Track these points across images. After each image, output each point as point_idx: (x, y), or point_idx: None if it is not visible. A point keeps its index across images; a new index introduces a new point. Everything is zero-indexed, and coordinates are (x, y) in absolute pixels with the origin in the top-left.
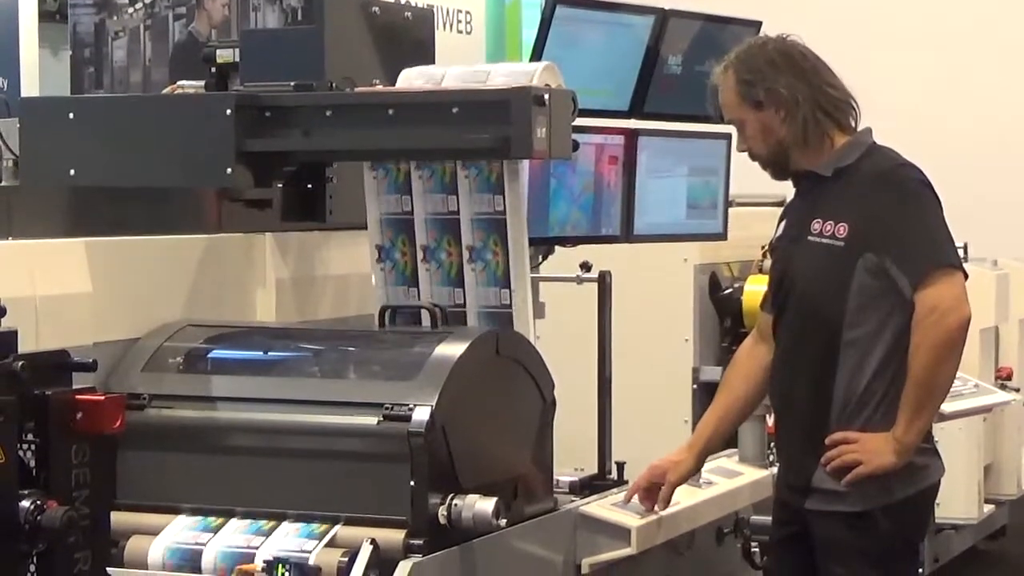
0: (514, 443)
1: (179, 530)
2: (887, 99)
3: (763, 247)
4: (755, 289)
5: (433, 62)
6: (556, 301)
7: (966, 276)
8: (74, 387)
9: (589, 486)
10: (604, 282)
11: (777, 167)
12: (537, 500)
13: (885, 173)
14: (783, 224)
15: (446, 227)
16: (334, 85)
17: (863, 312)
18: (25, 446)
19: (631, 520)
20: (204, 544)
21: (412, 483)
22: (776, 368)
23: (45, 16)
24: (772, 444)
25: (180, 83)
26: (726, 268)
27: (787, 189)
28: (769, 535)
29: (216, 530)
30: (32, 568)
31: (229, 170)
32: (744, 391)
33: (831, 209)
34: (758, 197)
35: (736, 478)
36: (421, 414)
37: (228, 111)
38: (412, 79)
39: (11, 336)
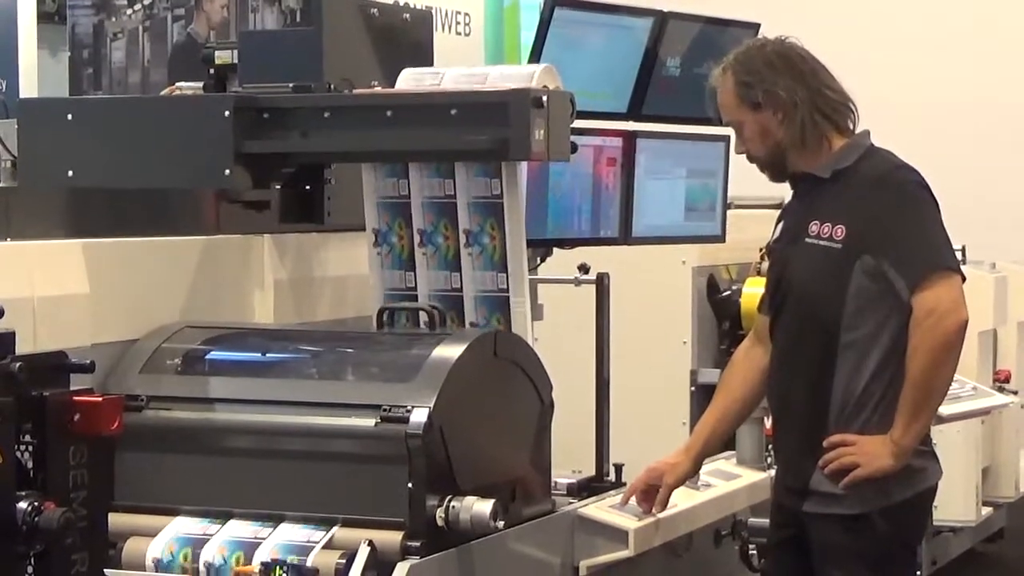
0: (512, 445)
1: (176, 532)
2: (885, 101)
3: (761, 249)
4: (753, 291)
5: (432, 64)
6: (554, 303)
7: (964, 279)
8: (72, 388)
9: (587, 488)
10: (602, 284)
11: (775, 169)
12: (535, 502)
13: (883, 175)
14: (780, 226)
15: (443, 211)
16: (332, 87)
17: (861, 314)
18: (23, 447)
19: (629, 522)
20: (201, 546)
21: (410, 485)
22: (774, 370)
23: (44, 17)
24: (770, 446)
25: (179, 84)
26: (724, 270)
27: (785, 191)
28: (767, 537)
29: (214, 532)
30: (30, 569)
31: (227, 171)
32: (741, 393)
33: (829, 211)
34: (756, 199)
35: (734, 480)
36: (419, 416)
37: (226, 112)
38: (411, 81)
39: (9, 337)
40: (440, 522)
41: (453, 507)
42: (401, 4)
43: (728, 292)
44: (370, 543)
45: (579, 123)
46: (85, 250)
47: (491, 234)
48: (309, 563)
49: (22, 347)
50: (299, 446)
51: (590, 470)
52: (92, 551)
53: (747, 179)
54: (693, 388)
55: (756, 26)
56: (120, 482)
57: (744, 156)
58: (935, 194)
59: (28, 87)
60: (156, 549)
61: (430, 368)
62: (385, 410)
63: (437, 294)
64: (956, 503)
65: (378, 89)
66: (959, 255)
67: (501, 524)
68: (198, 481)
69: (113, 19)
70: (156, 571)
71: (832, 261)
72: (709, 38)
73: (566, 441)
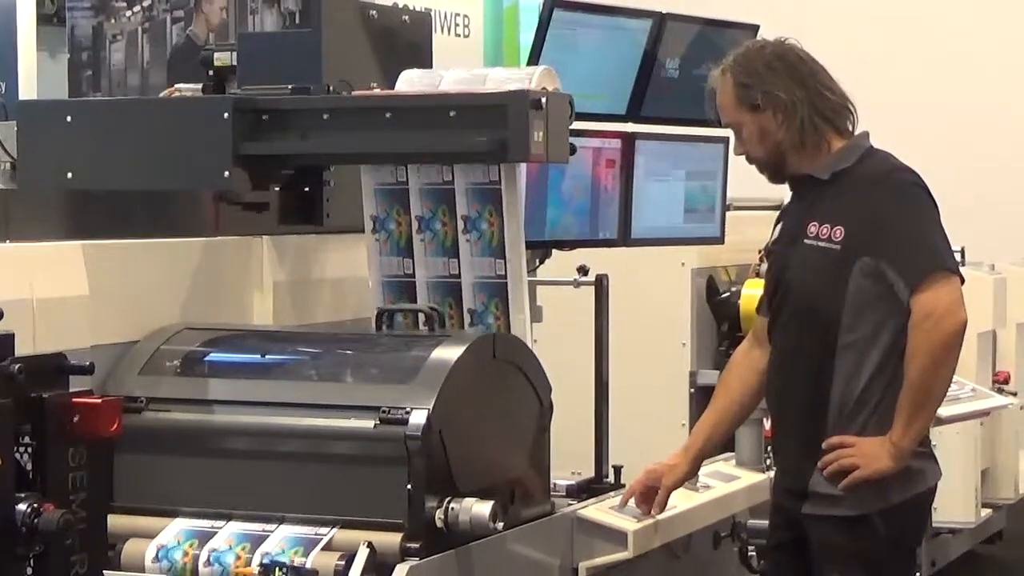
0: (511, 446)
1: (175, 531)
2: (884, 102)
3: (760, 251)
4: (752, 293)
5: (431, 65)
6: (553, 305)
7: (963, 280)
8: (71, 390)
9: (586, 490)
10: (601, 286)
11: (774, 170)
12: (534, 503)
13: (882, 176)
14: (779, 227)
15: (441, 197)
16: (331, 88)
17: (859, 316)
18: (22, 449)
19: (628, 524)
20: (200, 548)
21: (409, 486)
22: (772, 372)
23: (43, 19)
24: (769, 448)
25: (178, 86)
26: (723, 272)
27: (784, 193)
28: (766, 539)
29: (213, 533)
30: (29, 571)
31: (227, 173)
32: (740, 395)
33: (827, 212)
34: (756, 201)
35: (733, 482)
36: (418, 417)
37: (226, 114)
38: (410, 82)
39: (8, 339)
40: (439, 524)
41: (452, 509)
42: (400, 6)
43: (727, 294)
44: (369, 544)
45: (578, 125)
46: (84, 252)
47: (489, 220)
48: (308, 564)
49: (21, 349)
50: (298, 448)
51: (589, 472)
52: (91, 552)
53: (746, 180)
54: (692, 389)
55: (755, 27)
56: (119, 484)
57: (743, 157)
58: (934, 195)
59: (27, 89)
60: (155, 550)
61: (429, 370)
62: (384, 412)
63: (435, 280)
64: (955, 504)
65: (377, 91)
66: (958, 256)
67: (500, 526)
68: (197, 482)
69: (112, 21)
70: (156, 574)
71: (831, 262)
72: (708, 39)
73: (565, 443)
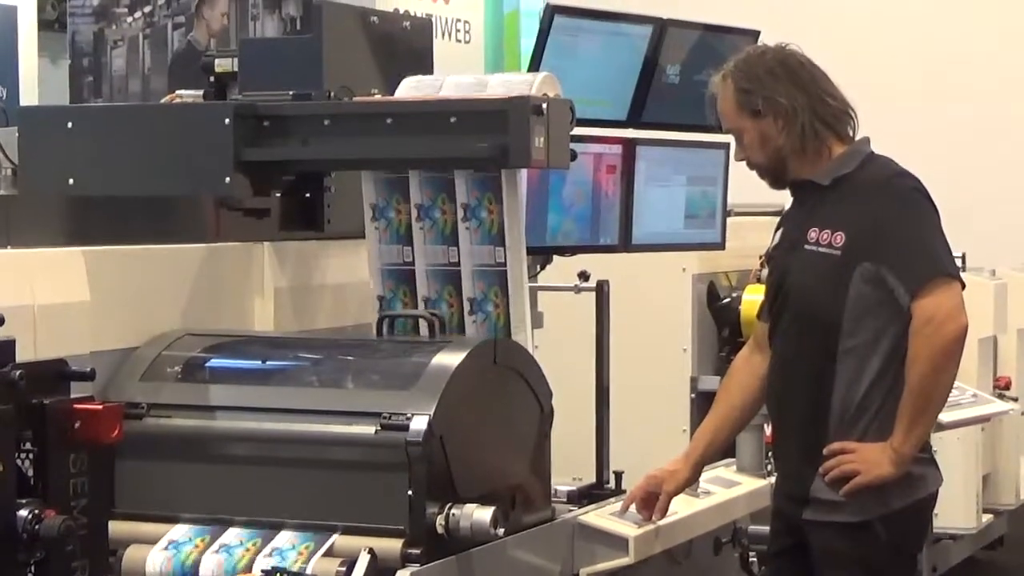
0: (512, 452)
1: (160, 560)
2: (885, 108)
3: (761, 256)
4: (753, 298)
5: (431, 71)
6: (554, 310)
7: (963, 285)
8: (72, 396)
9: (587, 495)
10: (602, 291)
11: (775, 176)
12: (535, 509)
13: (882, 182)
14: (779, 233)
15: (441, 186)
16: (332, 94)
17: (860, 321)
18: (23, 455)
19: (629, 529)
20: (202, 554)
21: (410, 492)
22: (773, 377)
23: (44, 25)
24: (770, 454)
25: (179, 92)
26: (724, 277)
27: (785, 198)
28: (767, 545)
29: (214, 539)
30: None
31: (227, 179)
32: (741, 401)
33: (828, 218)
34: (756, 206)
35: (734, 488)
36: (419, 423)
37: (227, 120)
38: (411, 88)
39: (9, 345)
40: (440, 530)
41: (453, 515)
42: (401, 12)
43: (728, 299)
44: (370, 551)
45: (579, 131)
46: (85, 258)
47: (489, 208)
48: (309, 571)
49: (22, 355)
50: (299, 454)
51: (590, 477)
52: (92, 559)
53: (747, 186)
54: (693, 395)
55: (756, 33)
56: (120, 490)
57: (744, 163)
58: (935, 201)
59: (28, 95)
60: (156, 557)
61: (430, 376)
62: (385, 418)
63: (434, 268)
64: (956, 510)
65: (378, 97)
66: (959, 262)
67: (501, 531)
68: (198, 489)
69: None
70: None
71: (832, 268)
72: (708, 45)
73: (566, 448)
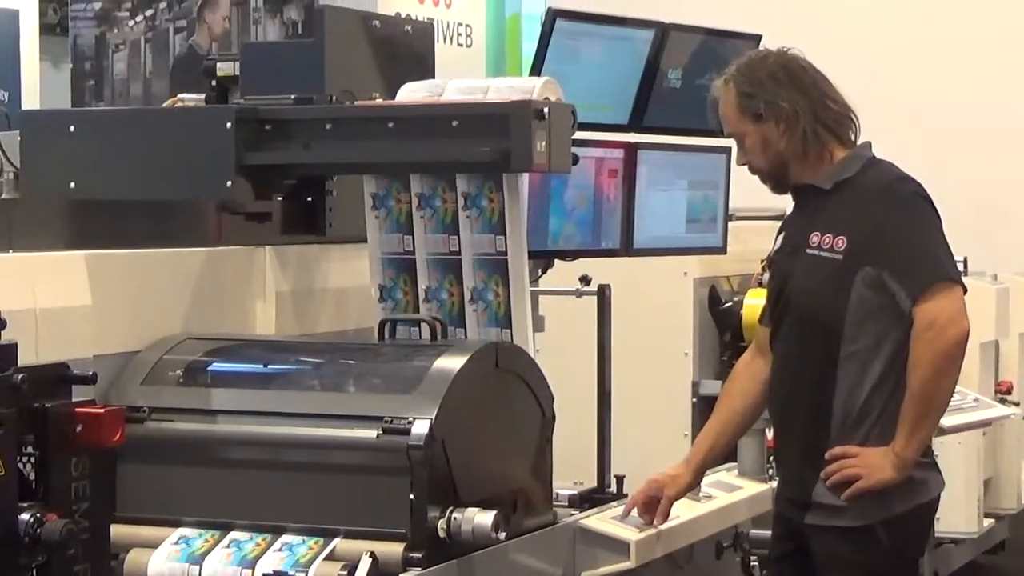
0: (514, 456)
1: (167, 555)
2: (887, 112)
3: (762, 261)
4: (755, 303)
5: (433, 75)
6: (556, 315)
7: (965, 290)
8: (74, 400)
9: (589, 499)
10: (604, 295)
11: (777, 180)
12: (536, 513)
13: (884, 186)
14: (781, 237)
15: (441, 174)
16: (334, 98)
17: (862, 326)
18: (25, 459)
19: (630, 534)
20: (203, 558)
21: (411, 496)
22: (775, 382)
23: (46, 29)
24: (771, 458)
25: (180, 96)
26: (726, 282)
27: (787, 203)
28: (768, 549)
29: (206, 552)
30: None
31: (229, 183)
32: (742, 405)
33: (830, 222)
34: (758, 211)
35: (735, 492)
36: (420, 427)
37: (228, 124)
38: (412, 92)
39: (11, 349)
40: (442, 534)
41: (455, 519)
42: (403, 16)
43: (729, 304)
44: (372, 555)
45: (580, 135)
46: (87, 262)
47: (489, 197)
48: (311, 575)
49: (24, 358)
50: (301, 458)
51: (591, 481)
52: (94, 563)
53: (748, 190)
54: (694, 399)
55: (757, 38)
56: (122, 493)
57: (746, 167)
58: (937, 205)
59: (30, 99)
60: (157, 560)
61: (432, 380)
62: (387, 422)
63: (435, 257)
64: (958, 515)
65: (380, 101)
66: (961, 267)
67: (503, 536)
68: (200, 493)
69: (115, 31)
70: None
71: (833, 272)
72: (710, 50)
73: (567, 452)
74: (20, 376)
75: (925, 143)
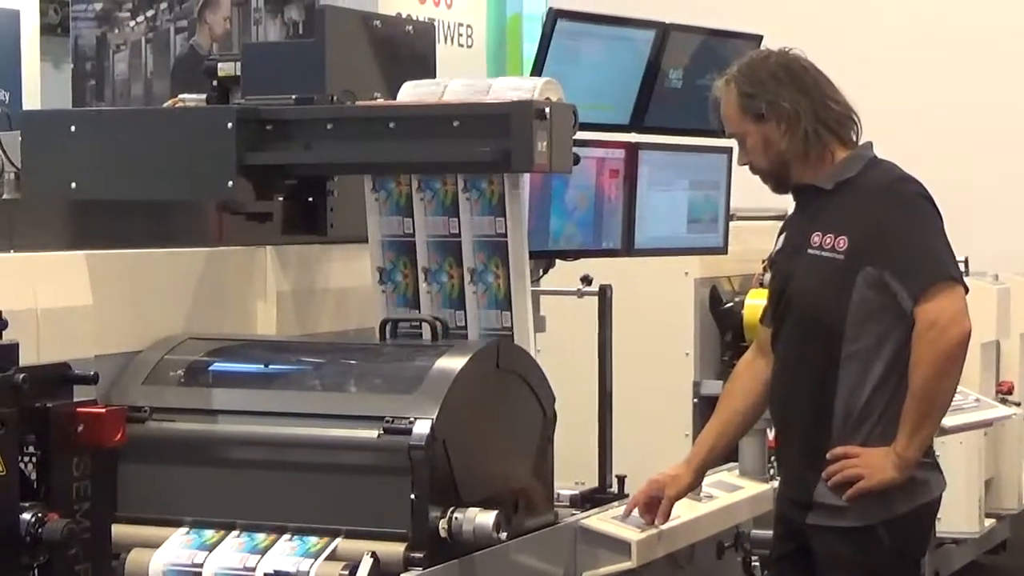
0: (515, 456)
1: (179, 543)
2: (888, 112)
3: (763, 261)
4: (756, 303)
5: (434, 76)
6: (557, 315)
7: (967, 290)
8: (75, 400)
9: (590, 499)
10: (605, 296)
11: (778, 180)
12: (538, 513)
13: (886, 186)
14: (783, 238)
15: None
16: (335, 98)
17: (863, 326)
18: (26, 458)
19: (631, 534)
20: (203, 559)
21: (413, 496)
22: (776, 382)
23: (47, 29)
24: (773, 458)
25: (181, 96)
26: (727, 282)
27: (788, 203)
28: (770, 550)
29: (216, 543)
30: None
31: (230, 183)
32: (743, 406)
33: (831, 222)
34: (759, 211)
35: (736, 492)
36: (422, 427)
37: (229, 124)
38: (413, 93)
39: (12, 349)
40: (443, 533)
41: (456, 518)
42: (404, 16)
43: (730, 304)
44: (373, 555)
45: (581, 135)
46: (88, 262)
47: (489, 179)
48: (312, 575)
49: (25, 358)
50: (302, 458)
51: (593, 481)
52: (96, 562)
53: (749, 191)
54: (695, 400)
55: (758, 38)
56: (123, 493)
57: (747, 167)
58: (938, 205)
59: (31, 99)
60: (159, 561)
61: (433, 380)
62: (388, 422)
63: (435, 239)
64: (959, 515)
65: (380, 101)
66: (962, 267)
67: (504, 535)
68: (201, 492)
69: (116, 31)
70: None
71: (835, 272)
72: (711, 50)
73: (569, 452)
74: (22, 376)
75: (926, 143)
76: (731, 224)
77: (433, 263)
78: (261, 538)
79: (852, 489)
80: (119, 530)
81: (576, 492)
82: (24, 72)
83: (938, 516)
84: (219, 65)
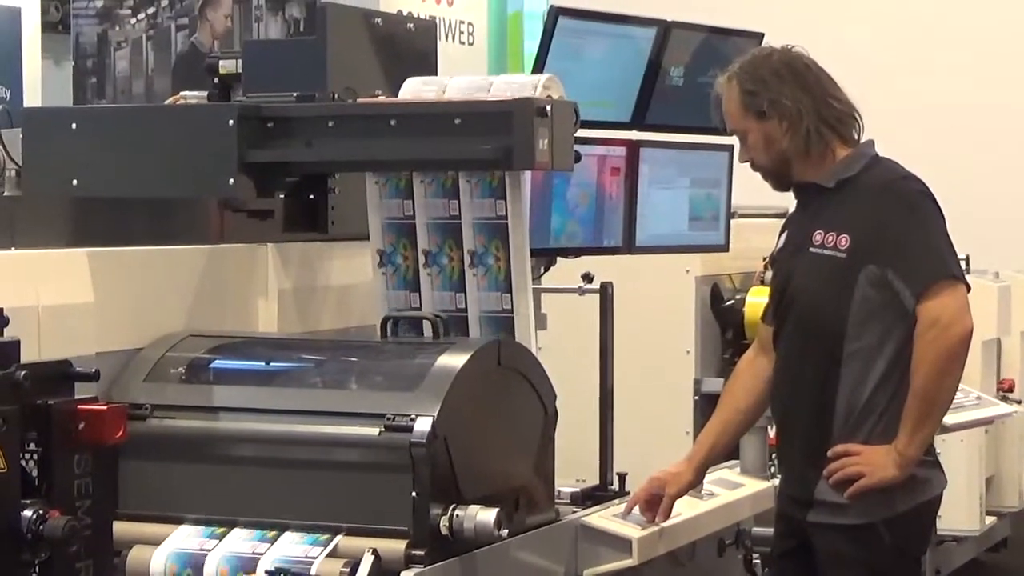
0: (516, 454)
1: (181, 540)
2: (890, 110)
3: (765, 259)
4: (757, 301)
5: (435, 73)
6: (558, 312)
7: (969, 288)
8: (76, 397)
9: (591, 497)
10: (606, 293)
11: (779, 178)
12: (539, 511)
13: (888, 185)
14: (784, 236)
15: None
16: (336, 96)
17: (865, 324)
18: (27, 456)
19: (632, 531)
20: (206, 554)
21: (414, 493)
22: (777, 380)
23: (47, 27)
24: (774, 456)
25: (183, 93)
26: (728, 280)
27: (789, 201)
28: (771, 547)
29: (218, 540)
30: None
31: (231, 181)
32: (745, 404)
33: (833, 220)
34: (760, 209)
35: (737, 489)
36: (423, 425)
37: (230, 122)
38: (414, 90)
39: (14, 346)
40: (444, 531)
41: (457, 516)
42: (405, 14)
43: (732, 301)
44: (374, 552)
45: (583, 132)
46: (89, 259)
47: (491, 182)
48: (313, 572)
49: (27, 355)
50: (303, 455)
51: (594, 479)
52: (97, 559)
53: (751, 188)
54: (696, 397)
55: (760, 35)
56: (124, 491)
57: (748, 165)
58: (940, 204)
59: (32, 96)
60: (160, 557)
61: (434, 377)
62: (389, 419)
63: (435, 221)
64: (960, 513)
65: (382, 98)
66: (963, 265)
67: (505, 533)
68: (202, 490)
69: (117, 28)
70: None
71: (836, 271)
72: (712, 47)
73: (570, 450)
74: (23, 373)
75: (926, 142)
76: (732, 222)
77: (433, 245)
78: (265, 533)
79: (853, 487)
80: (120, 527)
81: (577, 490)
82: (25, 69)
83: (939, 514)
84: (220, 62)
